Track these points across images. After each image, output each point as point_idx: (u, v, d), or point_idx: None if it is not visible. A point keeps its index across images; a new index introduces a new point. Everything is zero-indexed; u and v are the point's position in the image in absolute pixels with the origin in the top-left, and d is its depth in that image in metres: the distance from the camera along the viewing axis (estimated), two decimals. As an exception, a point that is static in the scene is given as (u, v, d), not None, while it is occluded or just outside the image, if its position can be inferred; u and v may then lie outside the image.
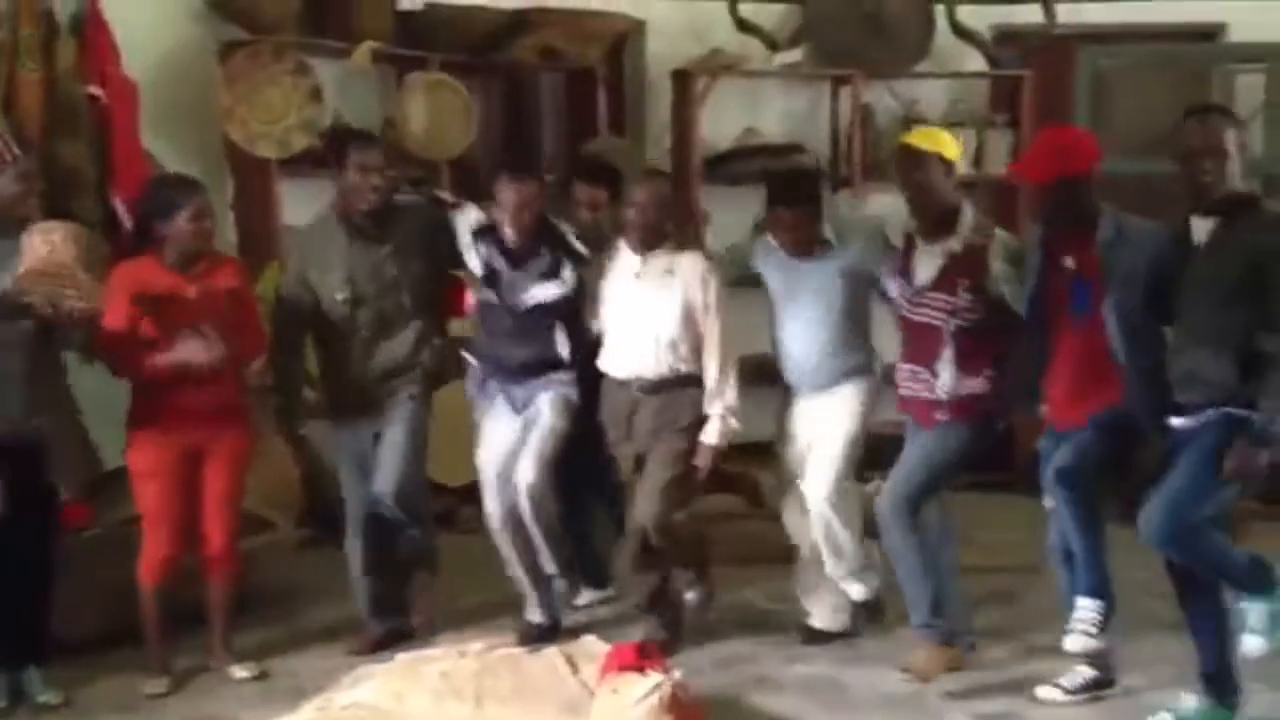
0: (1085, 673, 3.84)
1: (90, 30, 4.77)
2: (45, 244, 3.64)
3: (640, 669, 3.56)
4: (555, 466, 4.17)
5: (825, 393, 4.14)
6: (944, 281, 3.86)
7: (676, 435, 4.09)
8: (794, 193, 4.13)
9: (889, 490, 3.94)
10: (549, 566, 4.25)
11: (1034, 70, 6.47)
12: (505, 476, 4.19)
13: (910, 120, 6.48)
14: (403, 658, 4.07)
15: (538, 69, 6.22)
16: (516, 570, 4.28)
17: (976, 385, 3.87)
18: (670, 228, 4.15)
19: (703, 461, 4.09)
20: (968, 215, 3.90)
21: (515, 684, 3.80)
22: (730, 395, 4.08)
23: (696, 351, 4.09)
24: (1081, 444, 3.66)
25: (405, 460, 4.17)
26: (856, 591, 4.27)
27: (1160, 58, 6.67)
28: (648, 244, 4.08)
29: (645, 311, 4.08)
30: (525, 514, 4.14)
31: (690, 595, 4.31)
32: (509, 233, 4.13)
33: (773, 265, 4.20)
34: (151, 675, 4.05)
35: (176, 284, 3.94)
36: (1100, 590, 3.67)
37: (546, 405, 4.20)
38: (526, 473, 4.12)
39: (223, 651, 4.18)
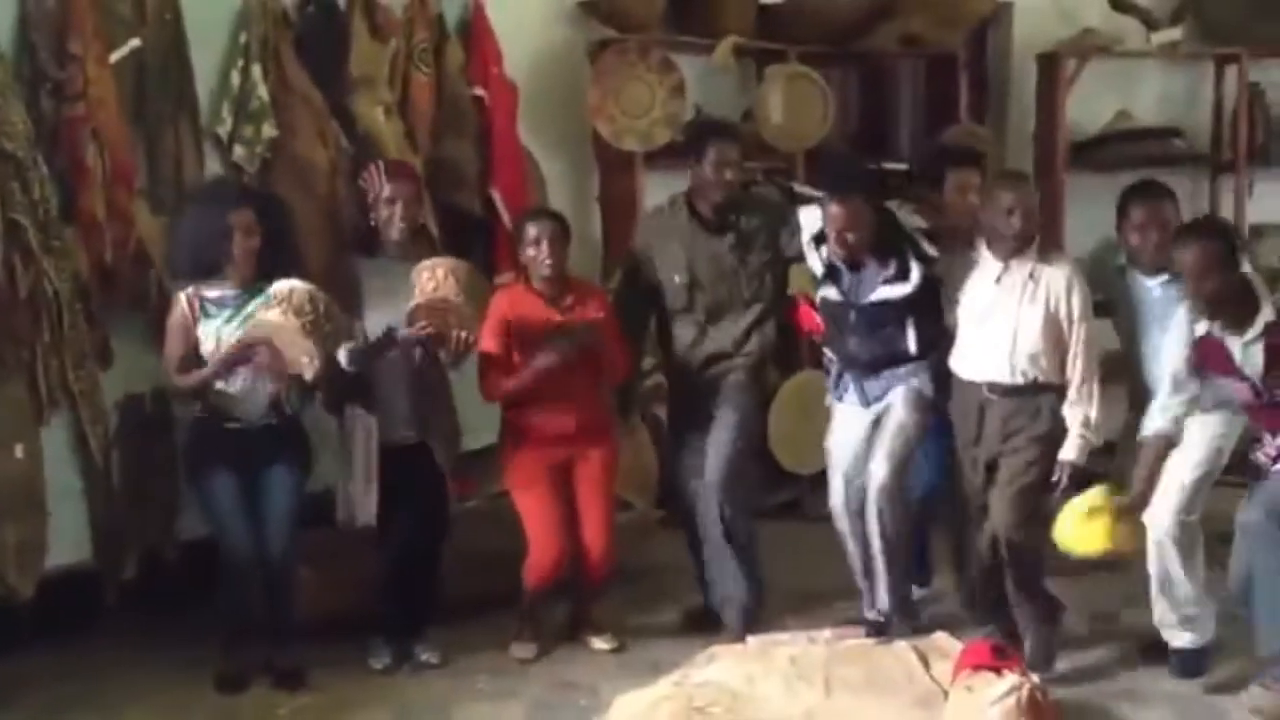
0: None
1: (475, 34, 5.08)
2: (430, 280, 3.95)
3: (996, 669, 3.48)
4: (907, 465, 4.12)
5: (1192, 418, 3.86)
6: (1277, 359, 3.59)
7: (1030, 444, 3.91)
8: (1151, 192, 3.96)
9: (1264, 494, 3.67)
10: (882, 597, 4.20)
11: None
12: (853, 468, 4.18)
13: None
14: (754, 641, 4.14)
15: (898, 56, 6.15)
16: (854, 563, 4.27)
17: None
18: (1035, 233, 3.94)
19: (1062, 478, 3.88)
20: (1257, 282, 3.68)
21: (866, 674, 3.79)
22: (1092, 411, 3.87)
23: (1057, 363, 3.90)
24: None
25: (732, 447, 4.22)
26: (1180, 640, 3.96)
27: None
28: (1014, 251, 3.92)
29: (1005, 319, 3.91)
30: (871, 514, 4.11)
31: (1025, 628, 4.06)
32: (836, 251, 4.07)
33: (1126, 287, 4.02)
34: (521, 640, 4.30)
35: (544, 312, 4.17)
36: None
37: (899, 400, 4.14)
38: (879, 472, 4.09)
39: (586, 623, 4.39)
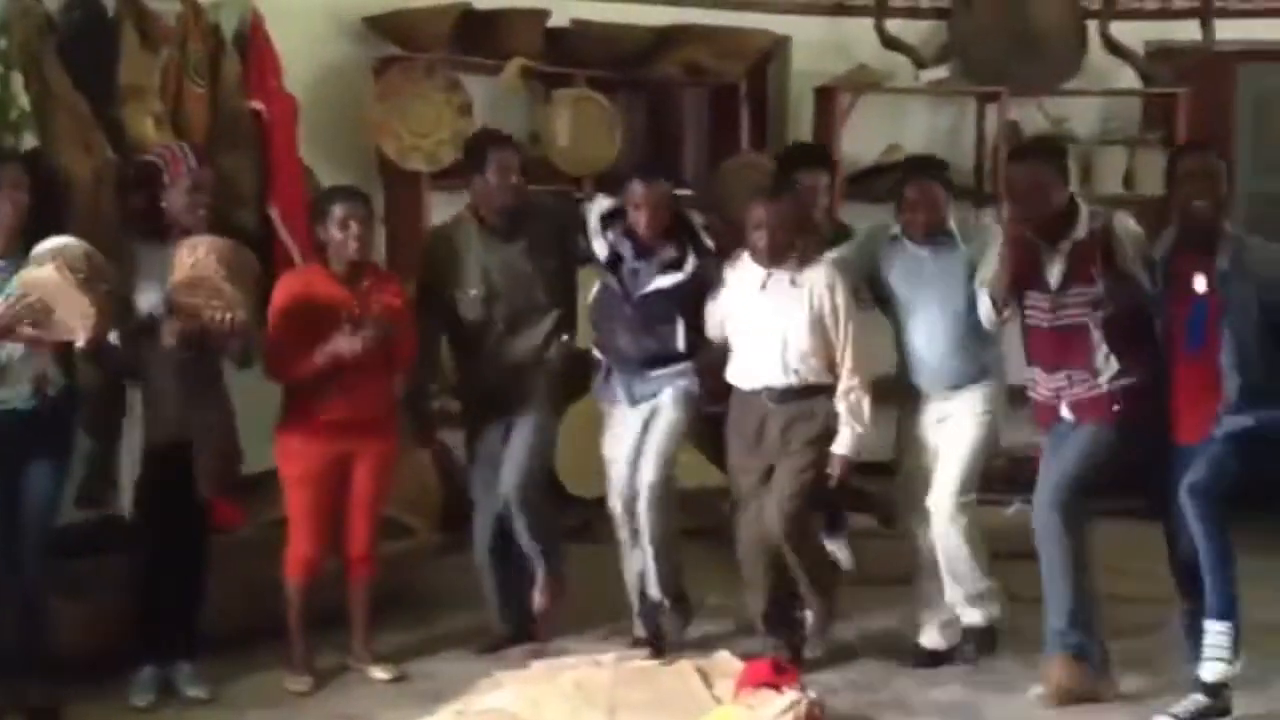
0: (1199, 700, 3.68)
1: (254, 46, 4.92)
2: (190, 257, 3.76)
3: (776, 686, 3.55)
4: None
5: (951, 396, 4.11)
6: (1078, 273, 3.81)
7: (806, 446, 4.06)
8: (925, 170, 4.21)
9: (1046, 487, 3.86)
10: (653, 588, 4.24)
11: (1190, 88, 6.29)
12: (630, 470, 4.21)
13: (1060, 138, 6.37)
14: (539, 666, 4.12)
15: (682, 85, 6.26)
16: (629, 577, 4.31)
17: (1137, 377, 3.80)
18: (797, 242, 4.11)
19: (835, 471, 4.05)
20: (1082, 208, 3.87)
21: (649, 696, 3.81)
22: (863, 404, 4.04)
23: (826, 362, 4.06)
24: (1215, 458, 3.58)
25: (531, 457, 4.23)
26: (970, 617, 4.20)
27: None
28: (774, 260, 4.07)
29: (773, 322, 4.06)
30: (642, 517, 4.15)
31: (810, 615, 4.25)
32: (642, 229, 4.15)
33: (895, 260, 4.16)
34: (295, 673, 4.15)
35: (339, 295, 4.04)
36: (1229, 612, 3.57)
37: (669, 400, 4.21)
38: (648, 472, 4.14)
39: (363, 652, 4.27)
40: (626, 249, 4.21)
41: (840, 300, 4.04)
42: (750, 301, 4.11)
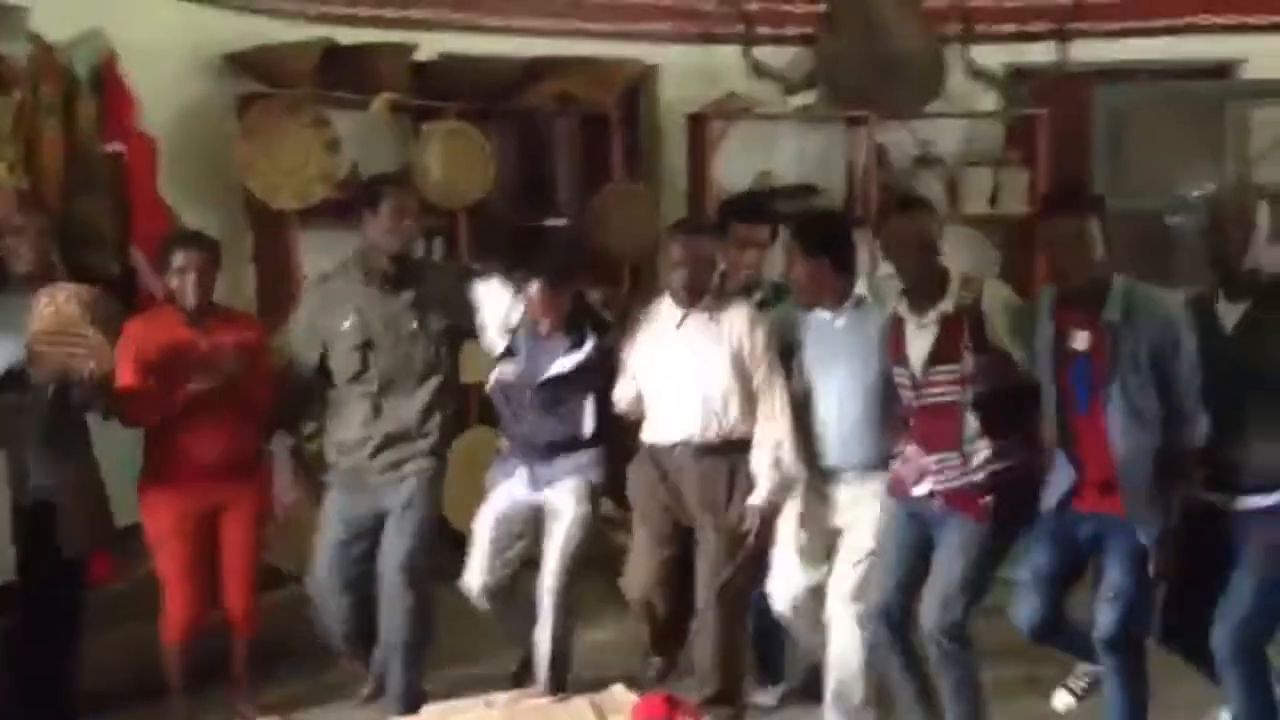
0: None
1: (109, 87, 4.78)
2: (49, 305, 3.65)
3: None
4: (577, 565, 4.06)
5: (859, 478, 3.80)
6: (945, 349, 3.51)
7: (725, 513, 3.89)
8: (809, 239, 3.78)
9: (934, 606, 3.52)
10: (543, 657, 4.11)
11: (1049, 109, 6.47)
12: (499, 543, 4.13)
13: (926, 160, 6.51)
14: (429, 710, 4.02)
15: (553, 115, 6.25)
16: (510, 633, 4.29)
17: (1011, 459, 3.52)
18: (714, 281, 3.97)
19: (751, 524, 3.86)
20: (954, 278, 3.57)
21: (543, 736, 3.75)
22: (783, 447, 3.82)
23: (748, 411, 3.87)
24: (1123, 595, 3.36)
25: (416, 544, 4.04)
26: None
27: (1178, 93, 6.66)
28: (692, 300, 3.91)
29: (690, 364, 3.88)
30: (545, 611, 4.06)
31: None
32: (542, 325, 4.02)
33: (809, 326, 3.88)
34: (178, 733, 4.02)
35: (187, 337, 3.95)
36: None
37: (570, 496, 4.07)
38: (550, 578, 4.05)
39: (247, 706, 4.16)
40: (522, 337, 4.08)
41: (760, 338, 3.85)
42: (666, 345, 3.93)
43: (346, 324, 4.05)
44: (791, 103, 6.50)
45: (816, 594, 3.86)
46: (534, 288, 4.01)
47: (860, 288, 3.81)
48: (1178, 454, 3.33)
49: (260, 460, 4.15)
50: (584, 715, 3.87)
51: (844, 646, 3.79)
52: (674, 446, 3.93)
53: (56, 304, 3.65)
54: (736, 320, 3.89)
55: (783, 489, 3.84)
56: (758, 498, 3.86)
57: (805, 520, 3.88)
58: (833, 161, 6.72)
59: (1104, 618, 3.40)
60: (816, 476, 3.86)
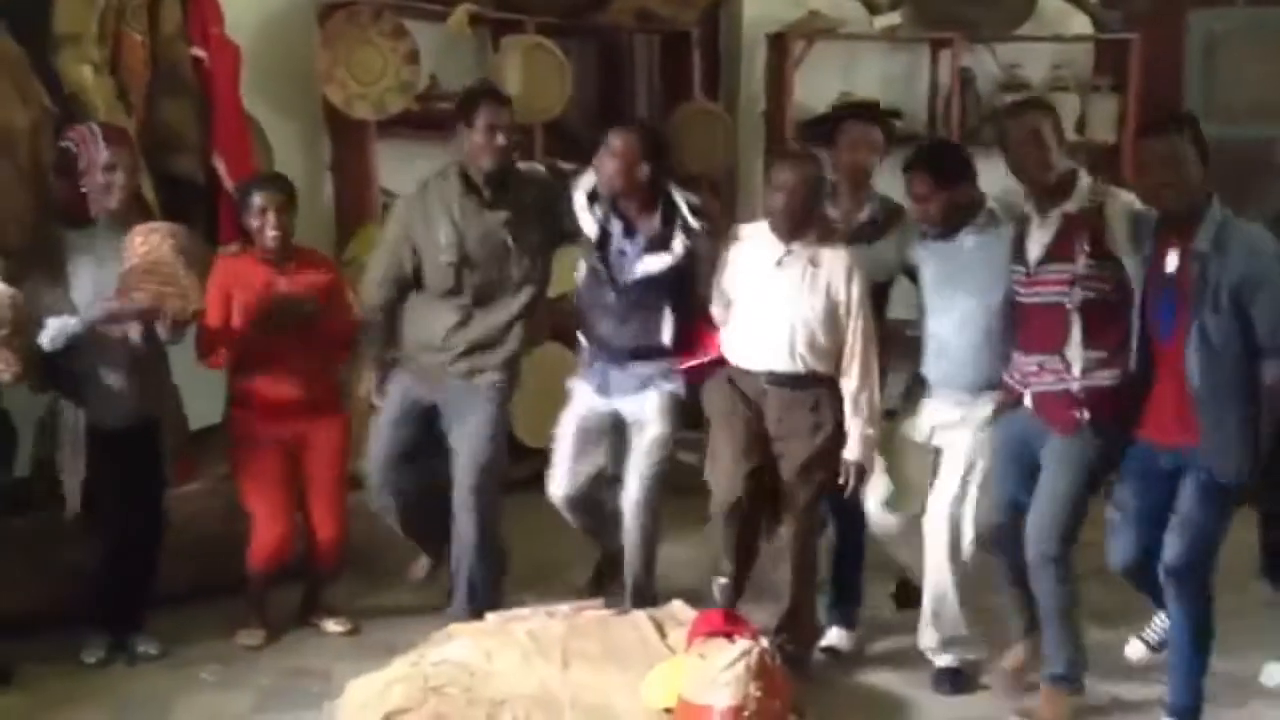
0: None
1: (194, -8, 4.82)
2: (144, 244, 3.74)
3: (728, 635, 3.55)
4: (663, 480, 4.08)
5: (970, 399, 3.80)
6: (1061, 247, 3.53)
7: (810, 439, 3.84)
8: (939, 170, 3.78)
9: (1038, 526, 3.56)
10: (627, 575, 4.18)
11: (1141, 34, 6.28)
12: (581, 461, 4.17)
13: (1011, 85, 6.36)
14: (493, 617, 4.10)
15: (633, 32, 6.19)
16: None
17: (1110, 375, 3.51)
18: (816, 215, 3.89)
19: (850, 479, 3.83)
20: (1083, 179, 3.60)
21: (603, 647, 3.80)
22: (874, 404, 3.82)
23: (833, 354, 3.83)
24: (1192, 527, 3.36)
25: (486, 449, 4.09)
26: (943, 660, 3.93)
27: (1274, 21, 6.43)
28: (794, 232, 3.83)
29: (785, 306, 3.81)
30: (629, 533, 4.10)
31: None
32: (610, 181, 3.96)
33: (931, 248, 3.87)
34: (248, 627, 4.14)
35: (271, 279, 4.02)
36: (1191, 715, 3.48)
37: (654, 412, 4.06)
38: (634, 491, 4.06)
39: (317, 606, 4.26)
40: (615, 227, 4.03)
41: (856, 292, 3.80)
42: (763, 280, 3.85)
43: (443, 240, 4.05)
44: (876, 23, 6.37)
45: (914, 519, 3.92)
46: (613, 141, 3.94)
47: (985, 209, 3.81)
48: (1256, 394, 3.29)
49: (339, 397, 4.23)
50: (644, 628, 3.94)
51: (941, 565, 3.83)
52: (758, 374, 3.90)
53: (151, 243, 3.74)
54: (835, 269, 3.82)
55: (872, 446, 3.84)
56: (853, 453, 3.83)
57: (903, 455, 3.93)
58: (917, 85, 6.60)
59: (1171, 547, 3.40)
60: (919, 398, 3.90)
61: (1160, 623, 3.77)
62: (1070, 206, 3.55)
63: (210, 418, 4.27)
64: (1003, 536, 3.71)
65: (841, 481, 3.86)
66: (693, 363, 3.99)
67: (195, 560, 4.20)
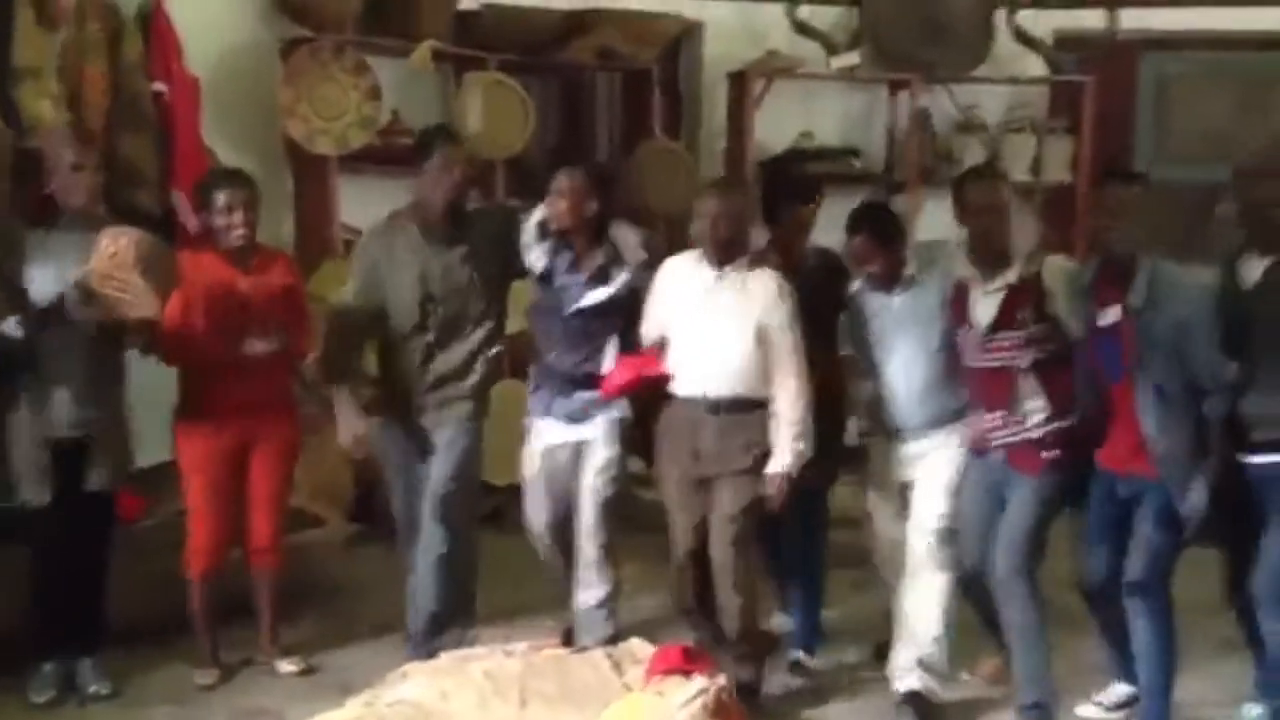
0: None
1: (155, 26, 4.81)
2: (111, 246, 3.71)
3: (686, 672, 3.55)
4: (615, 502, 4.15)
5: (929, 433, 3.94)
6: (1007, 318, 3.71)
7: (749, 467, 3.89)
8: (862, 223, 3.94)
9: (1004, 554, 3.73)
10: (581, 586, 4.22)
11: (1095, 76, 6.39)
12: (550, 478, 4.19)
13: (968, 125, 6.45)
14: (448, 656, 4.08)
15: (594, 69, 6.23)
16: (557, 570, 4.30)
17: (1066, 418, 3.70)
18: (745, 242, 3.98)
19: (773, 490, 3.88)
20: (1019, 247, 3.80)
21: (560, 685, 3.78)
22: (803, 419, 3.87)
23: (765, 375, 3.90)
24: (1151, 546, 3.57)
25: (453, 477, 4.11)
26: (908, 682, 3.92)
27: (1227, 66, 6.56)
28: (723, 258, 3.92)
29: (718, 328, 3.90)
30: (585, 553, 4.15)
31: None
32: (559, 220, 4.04)
33: (867, 303, 4.01)
34: (201, 667, 4.10)
35: (231, 277, 4.00)
36: None
37: (600, 436, 4.12)
38: (588, 513, 4.12)
39: (270, 645, 4.23)
40: (561, 261, 4.10)
41: (787, 311, 3.89)
42: (695, 303, 3.94)
43: (409, 278, 4.10)
44: (834, 63, 6.44)
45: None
46: (561, 181, 4.04)
47: (910, 268, 3.94)
48: (1202, 427, 3.50)
49: (294, 399, 4.21)
50: (601, 666, 3.91)
51: (925, 582, 3.92)
52: (697, 400, 3.95)
53: (118, 246, 3.71)
54: (764, 290, 3.91)
55: (800, 459, 3.89)
56: (778, 466, 3.88)
57: (878, 485, 4.07)
58: (875, 124, 6.68)
59: (1132, 566, 3.60)
60: (887, 437, 4.02)
61: (1119, 689, 3.90)
62: (1012, 277, 3.74)
63: (164, 453, 4.22)
64: (974, 567, 3.85)
65: (771, 493, 3.89)
66: (614, 384, 4.04)
67: (147, 598, 4.16)
